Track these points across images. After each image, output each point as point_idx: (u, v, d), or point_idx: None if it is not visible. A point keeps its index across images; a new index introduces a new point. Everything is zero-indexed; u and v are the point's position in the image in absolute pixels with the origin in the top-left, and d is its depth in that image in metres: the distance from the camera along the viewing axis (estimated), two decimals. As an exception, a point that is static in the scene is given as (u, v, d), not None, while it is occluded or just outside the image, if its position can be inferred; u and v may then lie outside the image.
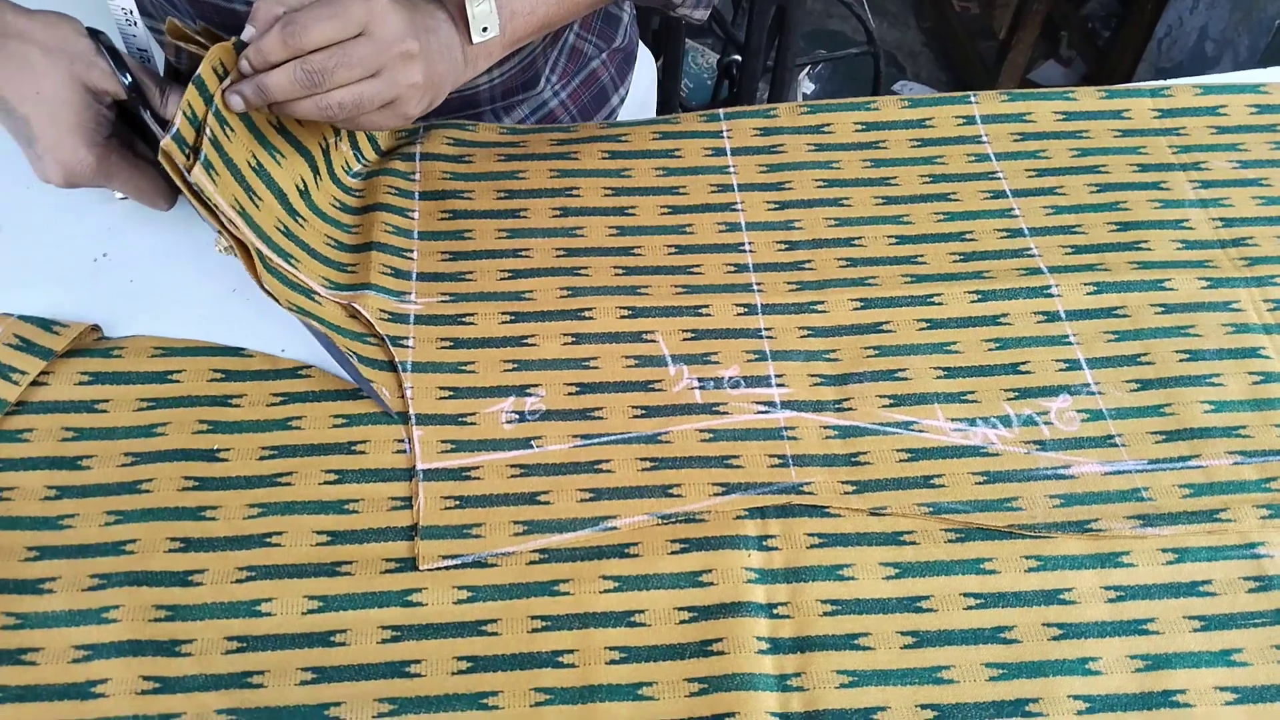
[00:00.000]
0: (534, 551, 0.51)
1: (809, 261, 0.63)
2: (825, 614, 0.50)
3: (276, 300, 0.53)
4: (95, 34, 0.55)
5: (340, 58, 0.52)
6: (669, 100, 1.42)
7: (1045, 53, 2.02)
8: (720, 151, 0.68)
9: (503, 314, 0.59)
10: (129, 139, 0.58)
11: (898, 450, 0.55)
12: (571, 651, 0.49)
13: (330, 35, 0.52)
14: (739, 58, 1.38)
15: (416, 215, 0.64)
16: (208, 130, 0.52)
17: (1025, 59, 1.90)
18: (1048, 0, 1.80)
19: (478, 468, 0.54)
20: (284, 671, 0.47)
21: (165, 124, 0.55)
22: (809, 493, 0.54)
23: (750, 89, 1.41)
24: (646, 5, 0.65)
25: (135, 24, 0.57)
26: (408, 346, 0.58)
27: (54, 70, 0.53)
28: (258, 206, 0.55)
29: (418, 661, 0.48)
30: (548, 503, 0.53)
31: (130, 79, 0.55)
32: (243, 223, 0.53)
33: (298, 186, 0.60)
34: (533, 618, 0.49)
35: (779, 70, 1.38)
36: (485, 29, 0.58)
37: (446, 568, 0.50)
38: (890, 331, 0.60)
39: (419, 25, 0.55)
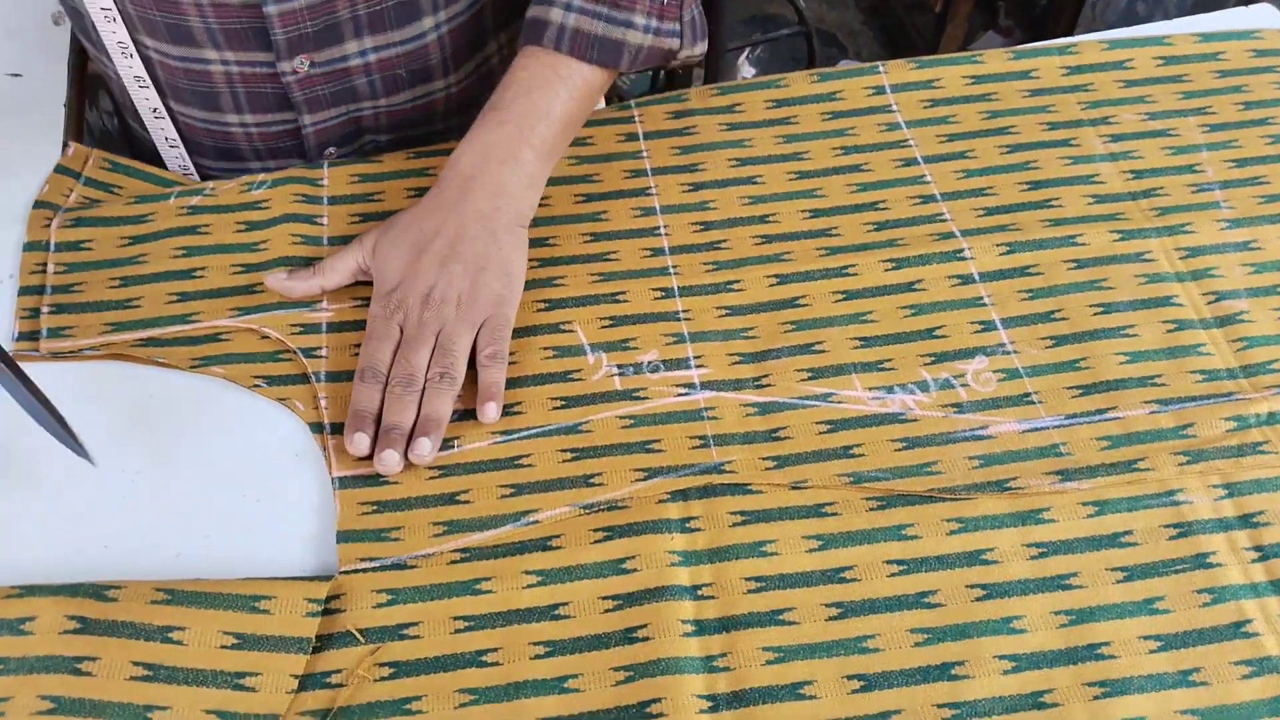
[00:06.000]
0: (455, 551, 0.51)
1: (724, 241, 0.63)
2: (749, 591, 0.50)
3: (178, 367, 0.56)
4: None
5: (440, 361, 0.55)
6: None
7: (985, 23, 2.03)
8: (633, 136, 0.68)
9: (417, 315, 0.59)
10: None
11: (817, 423, 0.55)
12: (495, 650, 0.48)
13: (422, 360, 0.55)
14: (671, 45, 1.38)
15: (326, 221, 0.63)
16: (46, 305, 0.58)
17: (963, 31, 1.91)
18: (979, -30, 1.80)
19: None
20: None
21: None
22: (730, 471, 0.53)
23: (685, 75, 1.41)
24: (648, 69, 0.65)
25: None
26: (321, 356, 0.57)
27: None
28: (138, 306, 0.59)
29: (338, 671, 0.47)
30: (468, 501, 0.53)
31: None
32: (124, 335, 0.57)
33: (181, 249, 0.61)
34: (455, 618, 0.49)
35: (712, 54, 1.37)
36: None
37: (365, 570, 0.50)
38: (806, 305, 0.60)
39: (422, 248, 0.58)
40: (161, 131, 0.68)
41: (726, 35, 1.37)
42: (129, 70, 0.65)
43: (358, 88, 0.67)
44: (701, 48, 0.66)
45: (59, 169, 0.65)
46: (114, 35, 0.62)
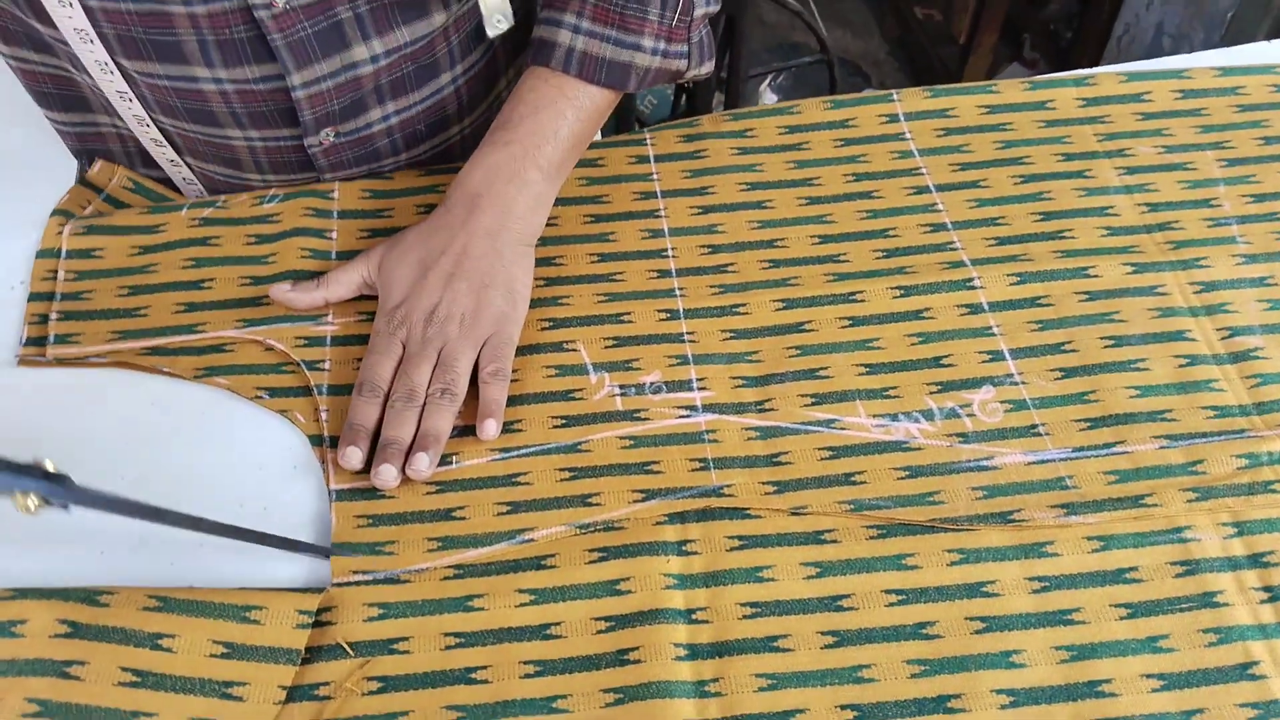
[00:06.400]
0: (449, 567, 0.51)
1: (731, 264, 0.63)
2: (744, 617, 0.49)
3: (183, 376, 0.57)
4: None
5: (441, 378, 0.55)
6: (626, 117, 1.42)
7: (1010, 56, 2.02)
8: (644, 159, 0.68)
9: (421, 330, 0.59)
10: None
11: (819, 449, 0.55)
12: (485, 668, 0.48)
13: (423, 376, 0.55)
14: (693, 71, 1.39)
15: (335, 235, 0.63)
16: (55, 311, 0.59)
17: (987, 63, 1.91)
18: (1005, 2, 1.80)
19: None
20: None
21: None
22: (729, 495, 0.53)
23: (706, 101, 1.41)
24: (656, 85, 0.65)
25: None
26: (324, 369, 0.57)
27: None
28: (145, 315, 0.59)
29: (326, 683, 0.47)
30: (464, 518, 0.52)
31: None
32: (130, 344, 0.58)
33: (190, 260, 0.61)
34: (446, 634, 0.48)
35: (733, 81, 1.38)
36: (499, 20, 0.59)
37: (357, 583, 0.50)
38: (812, 331, 0.59)
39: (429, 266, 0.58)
40: (178, 171, 0.68)
41: (748, 63, 1.38)
42: (146, 134, 0.64)
43: (380, 149, 0.67)
44: (708, 67, 0.66)
45: (82, 182, 0.66)
46: (130, 110, 0.62)
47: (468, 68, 0.67)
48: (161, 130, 0.64)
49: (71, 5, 0.53)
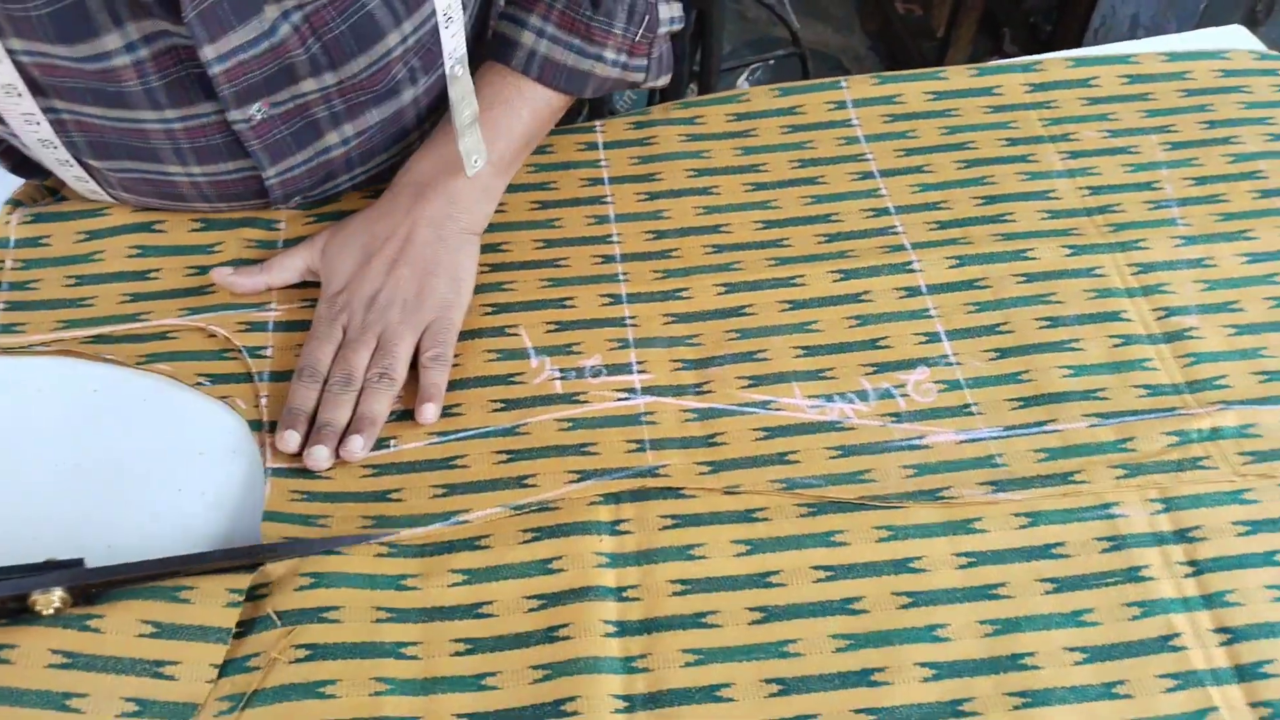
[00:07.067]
0: (382, 545, 0.51)
1: (675, 249, 0.63)
2: (675, 594, 0.50)
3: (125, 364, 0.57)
4: None
5: (380, 361, 0.55)
6: (599, 109, 1.42)
7: (990, 50, 2.03)
8: (592, 145, 0.69)
9: (364, 316, 0.59)
10: None
11: (754, 429, 0.55)
12: (415, 644, 0.48)
13: (361, 360, 0.55)
14: (666, 64, 1.39)
15: (283, 225, 0.64)
16: (2, 302, 0.59)
17: (966, 55, 1.91)
18: (983, -4, 1.81)
19: (329, 468, 0.54)
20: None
21: None
22: (664, 475, 0.53)
23: (677, 93, 1.41)
24: (611, 92, 0.66)
25: None
26: (266, 356, 0.58)
27: None
28: (90, 305, 0.60)
29: (258, 654, 0.47)
30: (400, 500, 0.53)
31: None
32: (74, 333, 0.58)
33: (137, 248, 0.62)
34: (377, 609, 0.49)
35: (705, 74, 1.38)
36: (475, 160, 0.59)
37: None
38: (752, 314, 0.60)
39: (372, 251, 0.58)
40: None
41: (720, 59, 1.38)
42: (96, 199, 0.64)
43: (344, 199, 0.67)
44: (665, 80, 0.67)
45: (41, 185, 0.66)
46: (85, 186, 0.62)
47: (435, 121, 0.67)
48: (115, 197, 0.64)
49: (39, 124, 0.53)
